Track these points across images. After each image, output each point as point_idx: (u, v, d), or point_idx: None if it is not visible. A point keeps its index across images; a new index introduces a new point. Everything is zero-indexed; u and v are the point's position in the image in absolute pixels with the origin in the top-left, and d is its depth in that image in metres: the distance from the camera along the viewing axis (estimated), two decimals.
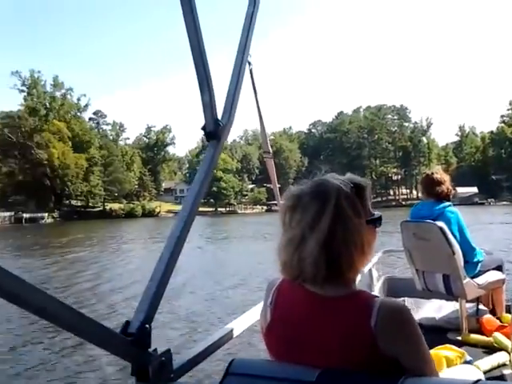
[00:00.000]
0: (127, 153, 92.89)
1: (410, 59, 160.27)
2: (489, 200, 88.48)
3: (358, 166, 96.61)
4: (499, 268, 3.73)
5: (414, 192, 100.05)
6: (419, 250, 3.64)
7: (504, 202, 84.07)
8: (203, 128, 1.64)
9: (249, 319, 2.05)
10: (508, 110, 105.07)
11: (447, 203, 3.56)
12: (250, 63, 2.37)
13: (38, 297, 0.91)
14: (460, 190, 75.54)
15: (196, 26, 1.55)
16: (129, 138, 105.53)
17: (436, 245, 3.38)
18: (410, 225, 3.67)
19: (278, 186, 3.08)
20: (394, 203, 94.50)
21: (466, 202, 70.49)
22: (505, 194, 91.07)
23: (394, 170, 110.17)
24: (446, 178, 3.66)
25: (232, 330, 1.87)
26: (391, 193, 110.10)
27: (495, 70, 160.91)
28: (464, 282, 3.37)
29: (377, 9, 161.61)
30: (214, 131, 1.63)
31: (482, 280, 3.51)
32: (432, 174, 3.69)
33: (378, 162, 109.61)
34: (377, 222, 1.29)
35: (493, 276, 3.60)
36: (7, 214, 67.91)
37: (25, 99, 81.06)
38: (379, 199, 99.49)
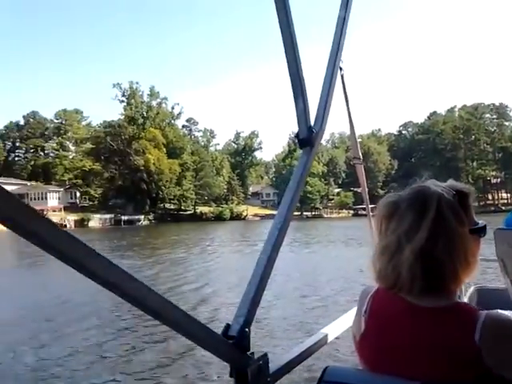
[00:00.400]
0: (217, 158, 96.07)
1: (509, 55, 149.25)
2: None
3: (453, 169, 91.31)
4: None
5: None
6: None
7: None
8: (296, 135, 1.65)
9: (341, 326, 2.03)
10: None
11: None
12: (341, 69, 2.32)
13: (148, 295, 0.92)
14: None
15: (293, 39, 1.55)
16: (219, 144, 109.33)
17: None
18: (505, 233, 3.54)
19: (366, 190, 3.11)
20: (492, 208, 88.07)
21: None
22: None
23: (493, 173, 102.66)
24: None
25: (325, 336, 1.86)
26: (489, 197, 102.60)
27: None
28: None
29: (470, 3, 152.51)
30: (308, 138, 1.64)
31: None
32: None
33: (474, 164, 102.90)
34: (481, 231, 1.23)
35: None
36: (108, 216, 73.25)
37: (124, 109, 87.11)
38: (476, 204, 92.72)
